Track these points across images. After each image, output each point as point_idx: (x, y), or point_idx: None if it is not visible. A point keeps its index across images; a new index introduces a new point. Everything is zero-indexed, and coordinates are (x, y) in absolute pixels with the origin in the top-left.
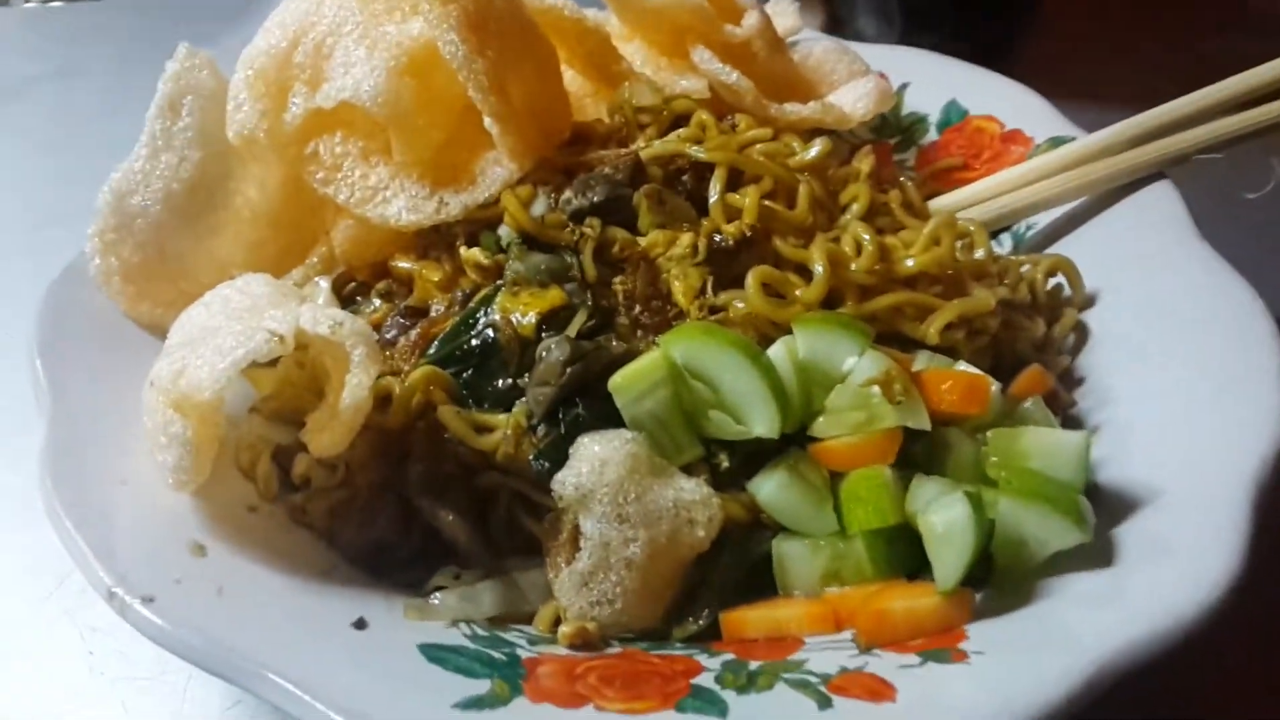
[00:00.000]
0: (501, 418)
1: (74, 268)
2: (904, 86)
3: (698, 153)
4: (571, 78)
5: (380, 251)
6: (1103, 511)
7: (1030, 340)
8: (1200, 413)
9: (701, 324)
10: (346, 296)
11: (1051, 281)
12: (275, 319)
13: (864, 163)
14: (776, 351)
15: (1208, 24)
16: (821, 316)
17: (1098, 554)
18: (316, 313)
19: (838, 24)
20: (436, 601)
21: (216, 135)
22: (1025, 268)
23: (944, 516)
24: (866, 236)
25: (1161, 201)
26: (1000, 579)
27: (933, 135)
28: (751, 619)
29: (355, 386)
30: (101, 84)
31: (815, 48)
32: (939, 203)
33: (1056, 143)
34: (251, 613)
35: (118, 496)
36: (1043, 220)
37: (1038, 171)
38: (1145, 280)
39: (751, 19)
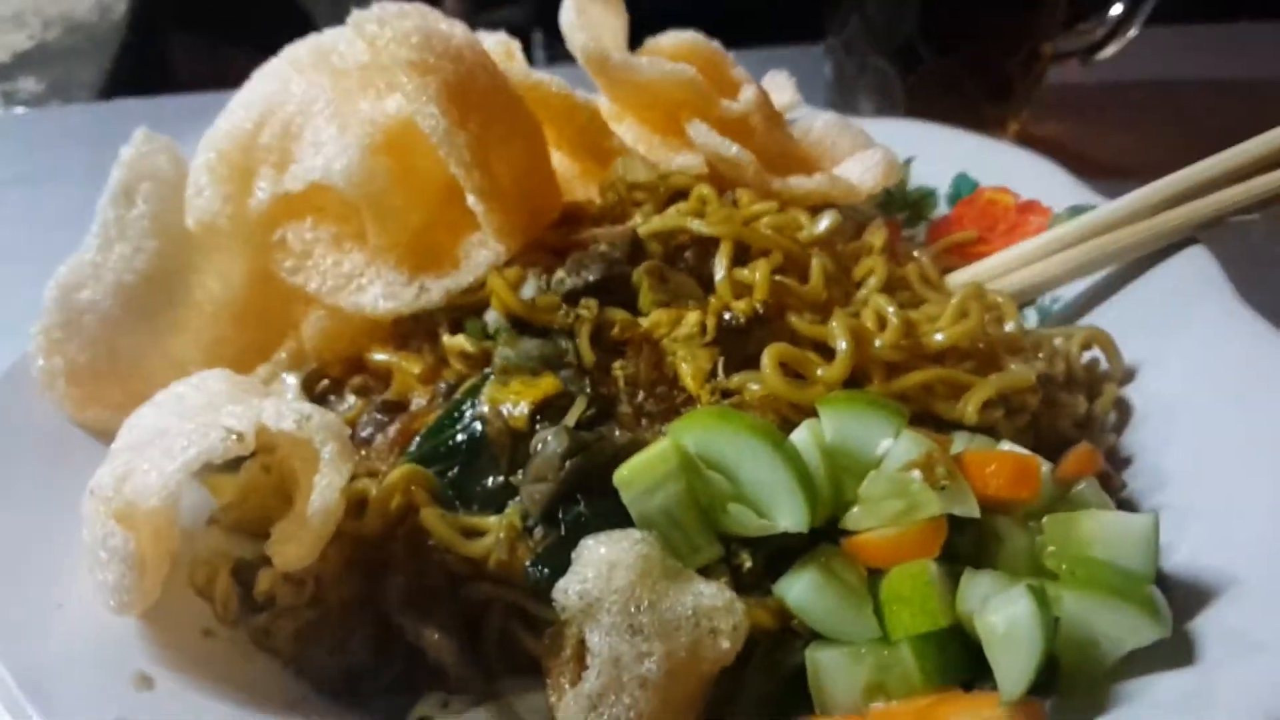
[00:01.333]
0: (493, 520)
1: (15, 371)
2: (909, 160)
3: (700, 227)
4: (559, 159)
5: (354, 344)
6: (1173, 604)
7: (1072, 418)
8: (1265, 490)
9: (715, 408)
10: (318, 395)
11: (1086, 355)
12: (233, 415)
13: (877, 236)
14: (801, 436)
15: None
16: (849, 395)
17: (1176, 651)
18: (281, 407)
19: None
20: None
21: (175, 224)
22: (1058, 341)
23: (1006, 615)
24: (891, 309)
25: (1197, 266)
26: (1068, 684)
27: (943, 209)
28: None
29: (325, 488)
30: (68, 190)
31: (815, 122)
32: (955, 278)
33: (1076, 211)
34: None
35: (52, 623)
36: (1069, 293)
37: (1060, 241)
38: (1188, 350)
39: (748, 93)
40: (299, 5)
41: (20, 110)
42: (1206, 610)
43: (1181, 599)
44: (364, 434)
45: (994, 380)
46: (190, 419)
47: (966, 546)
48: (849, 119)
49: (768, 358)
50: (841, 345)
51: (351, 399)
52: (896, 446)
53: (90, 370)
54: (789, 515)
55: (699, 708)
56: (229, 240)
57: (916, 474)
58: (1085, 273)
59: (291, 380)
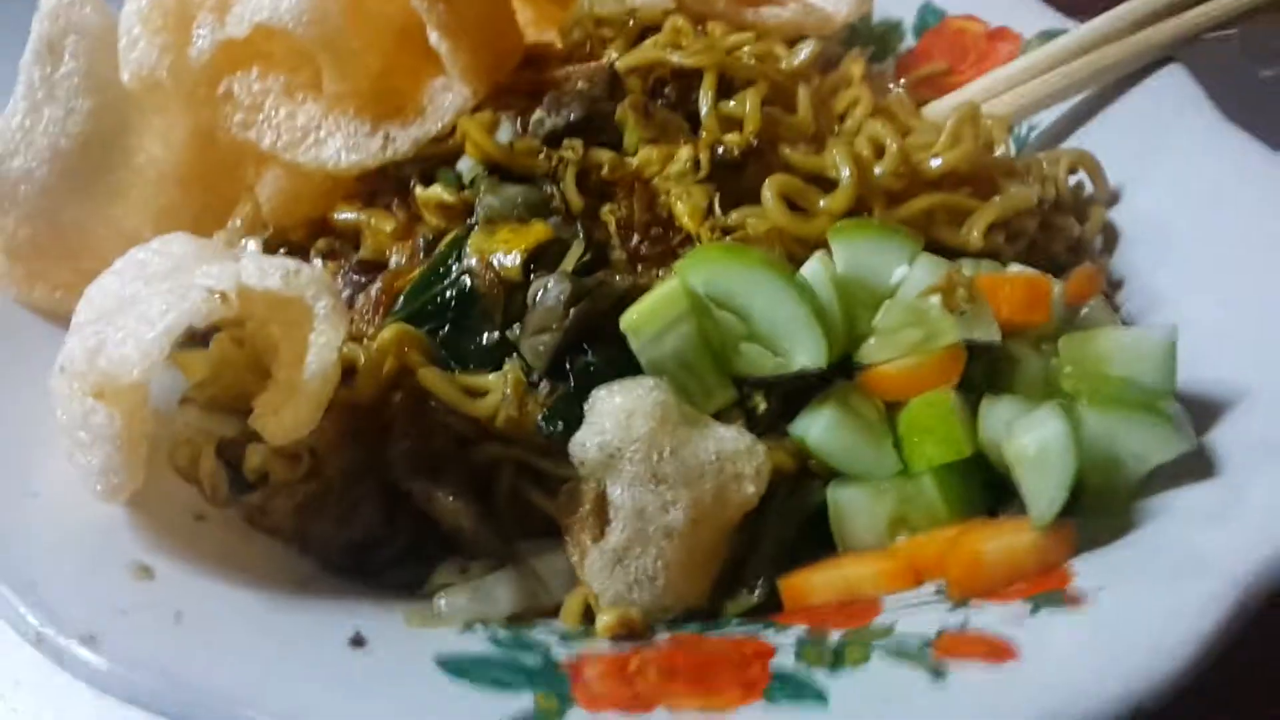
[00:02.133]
0: (493, 377)
1: None
2: None
3: (682, 58)
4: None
5: (316, 205)
6: (1191, 417)
7: (1066, 241)
8: (1265, 296)
9: (721, 245)
10: None
11: (1072, 179)
12: (210, 275)
13: (856, 67)
14: (812, 269)
15: None
16: (860, 223)
17: (1201, 464)
18: (263, 263)
19: None
20: (444, 604)
21: (109, 80)
22: (1045, 165)
23: (1036, 436)
24: (889, 137)
25: (1176, 84)
26: (1094, 504)
27: (910, 42)
28: (817, 583)
29: (323, 347)
30: None
31: None
32: (930, 109)
33: (1048, 36)
34: (220, 641)
35: (31, 514)
36: (1045, 120)
37: (1033, 67)
38: (1173, 168)
39: None
40: None
41: None
42: (1223, 422)
43: (1196, 414)
44: (343, 296)
45: (997, 203)
46: (159, 284)
47: (980, 374)
48: None
49: (769, 189)
50: (845, 173)
51: (319, 263)
52: (912, 273)
53: (32, 245)
54: (806, 352)
55: (724, 555)
56: (169, 96)
57: (934, 300)
58: (1061, 98)
59: (253, 246)
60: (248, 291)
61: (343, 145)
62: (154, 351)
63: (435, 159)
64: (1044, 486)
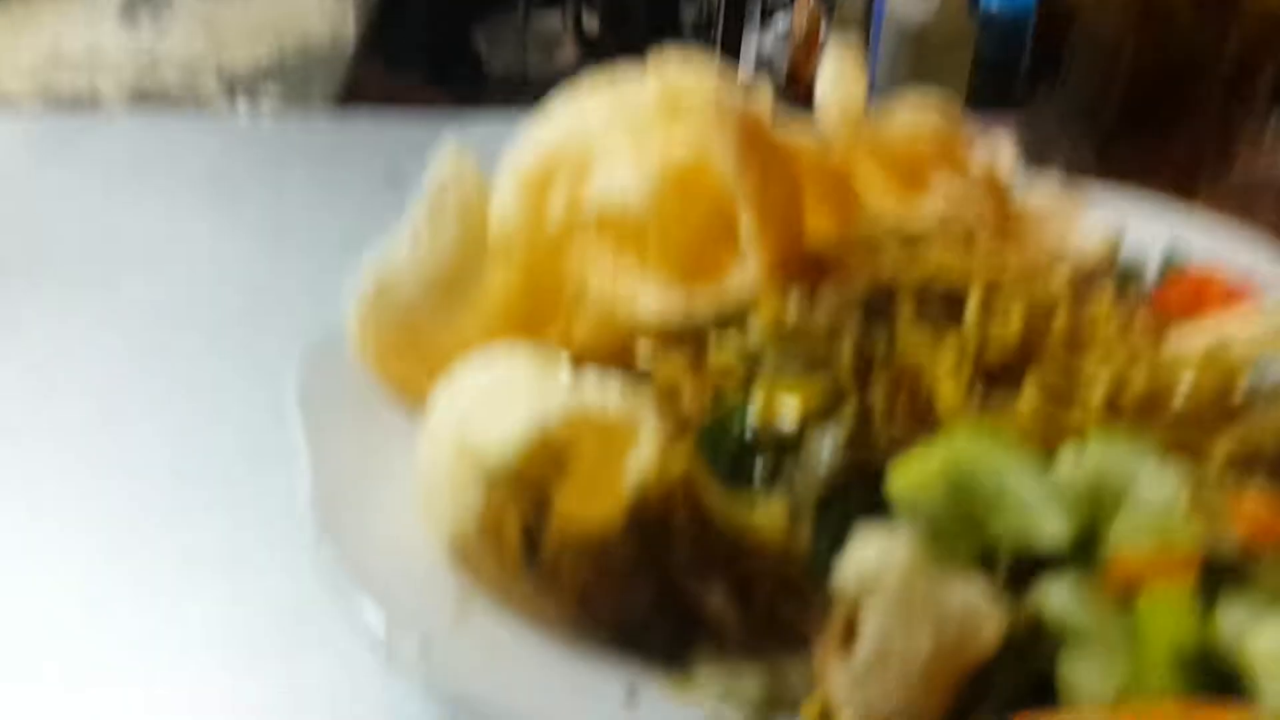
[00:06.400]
0: (767, 505)
1: (329, 332)
2: (1120, 231)
3: (955, 266)
4: None
5: (614, 350)
6: None
7: None
8: None
9: (984, 426)
10: None
11: None
12: (563, 389)
13: (1104, 295)
14: (1065, 458)
15: None
16: (1119, 428)
17: None
18: (600, 384)
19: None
20: (702, 676)
21: (474, 228)
22: None
23: (1270, 638)
24: (1140, 356)
25: None
26: None
27: (1150, 281)
28: None
29: (641, 458)
30: (305, 187)
31: (1037, 186)
32: (1169, 342)
33: None
34: (526, 674)
35: (382, 545)
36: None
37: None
38: None
39: (980, 155)
40: (471, 46)
41: (265, 115)
42: None
43: None
44: None
45: (1242, 426)
46: (515, 386)
47: (1214, 580)
48: (1068, 186)
49: (1032, 379)
50: (1103, 372)
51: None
52: (1159, 478)
53: (395, 347)
54: (1050, 530)
55: (951, 697)
56: (519, 252)
57: (1177, 506)
58: None
59: (563, 362)
60: (587, 408)
61: (653, 299)
62: (520, 440)
63: (727, 321)
64: (1277, 685)
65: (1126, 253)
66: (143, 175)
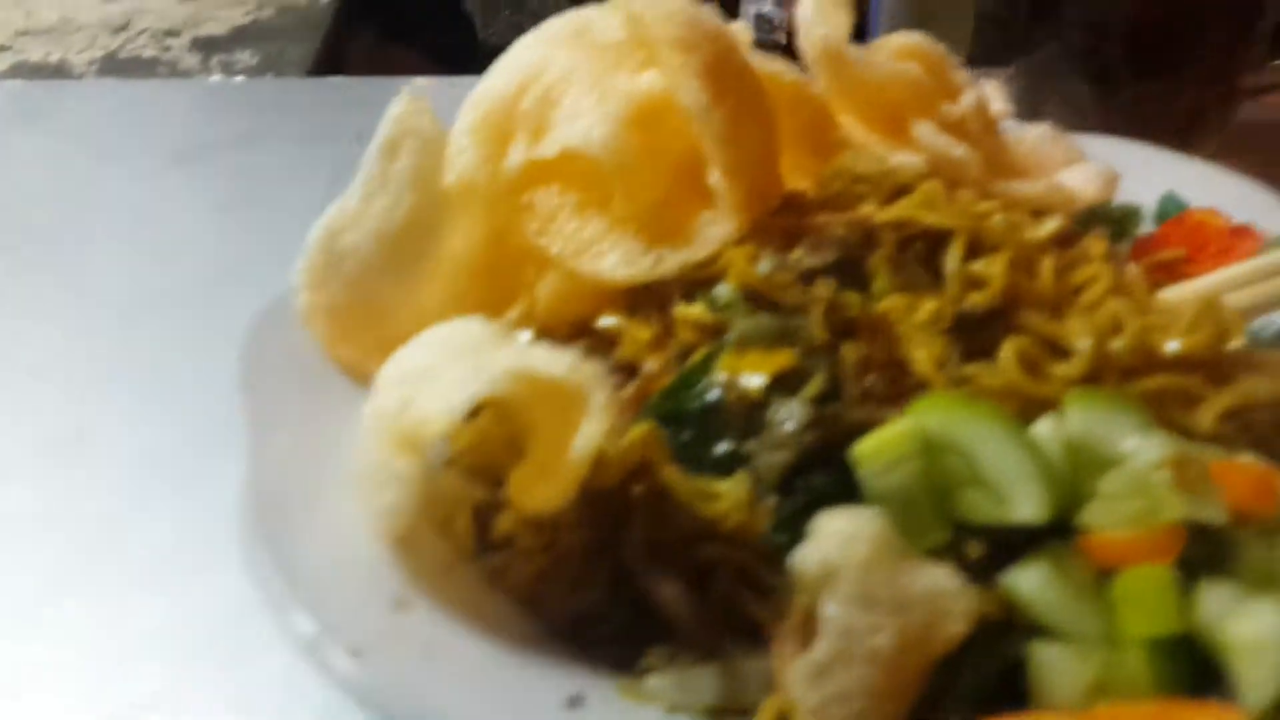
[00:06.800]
0: (724, 484)
1: (277, 306)
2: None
3: (935, 218)
4: None
5: (583, 309)
6: None
7: None
8: None
9: (959, 393)
10: None
11: None
12: (509, 356)
13: (1097, 245)
14: (1043, 427)
15: None
16: (1096, 390)
17: None
18: (551, 354)
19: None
20: (653, 684)
21: (431, 180)
22: None
23: (1254, 625)
24: (1128, 314)
25: None
26: None
27: (1148, 227)
28: None
29: (589, 435)
30: (280, 153)
31: (1029, 133)
32: (1164, 295)
33: None
34: (463, 678)
35: (319, 542)
36: None
37: (1273, 267)
38: None
39: (969, 98)
40: (463, 11)
41: (239, 79)
42: None
43: None
44: None
45: (1231, 391)
46: (461, 358)
47: (1199, 556)
48: (1063, 133)
49: (1009, 349)
50: (1084, 343)
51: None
52: (1144, 445)
53: (348, 311)
54: (1028, 504)
55: (920, 688)
56: (479, 201)
57: (1161, 474)
58: None
59: (525, 337)
60: (533, 375)
61: (619, 260)
62: (458, 412)
63: (695, 282)
64: (1257, 677)
65: (1124, 199)
66: (113, 143)
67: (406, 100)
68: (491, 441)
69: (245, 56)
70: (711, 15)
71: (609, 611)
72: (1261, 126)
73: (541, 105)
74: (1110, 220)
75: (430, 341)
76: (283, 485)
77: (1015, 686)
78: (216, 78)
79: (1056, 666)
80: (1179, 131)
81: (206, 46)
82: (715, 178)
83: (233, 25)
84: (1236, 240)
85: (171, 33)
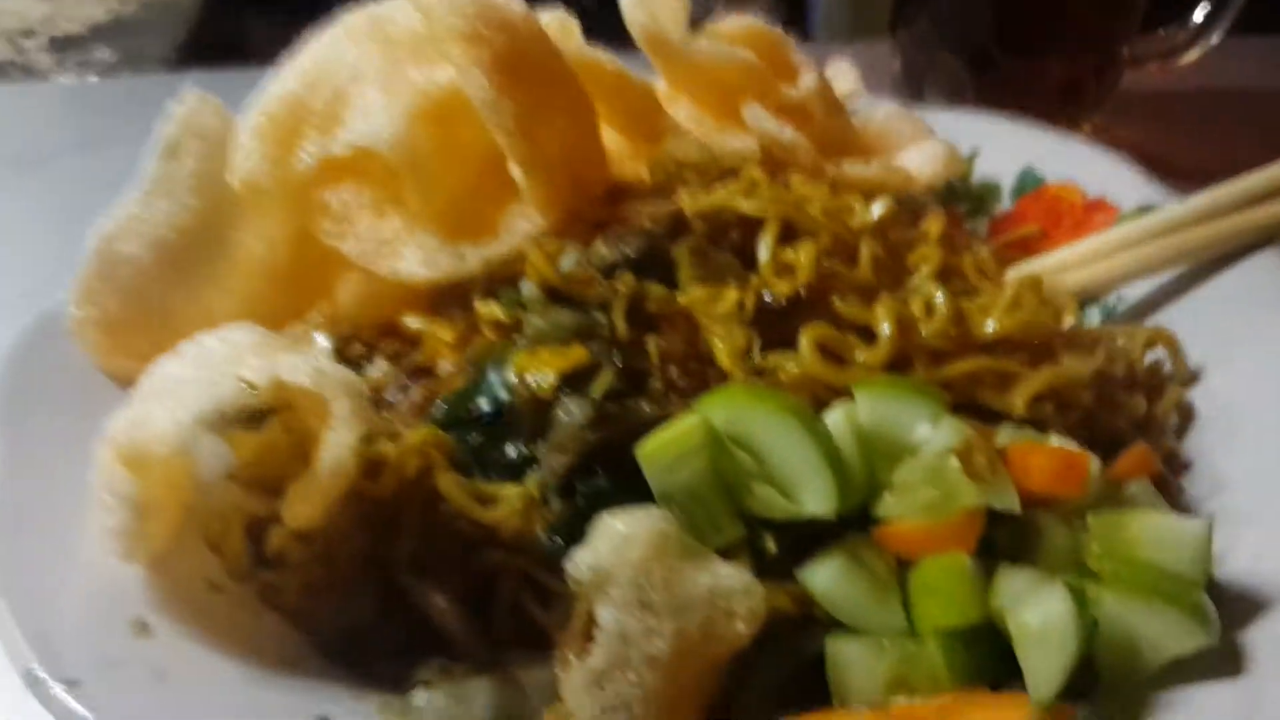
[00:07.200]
0: (509, 488)
1: (48, 318)
2: (974, 153)
3: (746, 205)
4: (612, 138)
5: (389, 310)
6: (1223, 611)
7: (1130, 418)
8: None
9: (747, 386)
10: (352, 361)
11: (1149, 356)
12: (250, 367)
13: (933, 225)
14: (834, 418)
15: None
16: (887, 378)
17: (1225, 662)
18: (298, 361)
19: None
20: (420, 700)
21: (220, 183)
22: (1120, 339)
23: (1040, 612)
24: (939, 296)
25: (1272, 270)
26: (1106, 691)
27: (1006, 204)
28: None
29: (335, 445)
30: (125, 155)
31: (877, 112)
32: (1015, 272)
33: (1147, 210)
34: (194, 704)
35: (61, 568)
36: (1134, 293)
37: (1127, 239)
38: (1257, 356)
39: (808, 79)
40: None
41: (93, 79)
42: (1260, 620)
43: (1234, 609)
44: (390, 398)
45: (1046, 372)
46: (210, 370)
47: (1005, 541)
48: (911, 110)
49: (806, 338)
50: (884, 329)
51: (384, 364)
52: (935, 433)
53: (123, 322)
54: (816, 498)
55: (708, 692)
56: (270, 202)
57: (955, 463)
58: (1152, 272)
59: (323, 341)
60: (284, 385)
61: (418, 259)
62: (184, 432)
63: (501, 279)
64: (1044, 664)
65: (988, 174)
66: None
67: (191, 99)
68: (280, 452)
69: (104, 54)
70: (510, 5)
71: (382, 627)
72: (1148, 96)
73: (332, 103)
74: (969, 197)
75: (188, 351)
76: (30, 508)
77: (818, 684)
78: (67, 79)
79: (854, 662)
80: (1058, 103)
81: (63, 46)
82: (515, 170)
83: (92, 22)
84: (1092, 214)
85: (27, 33)
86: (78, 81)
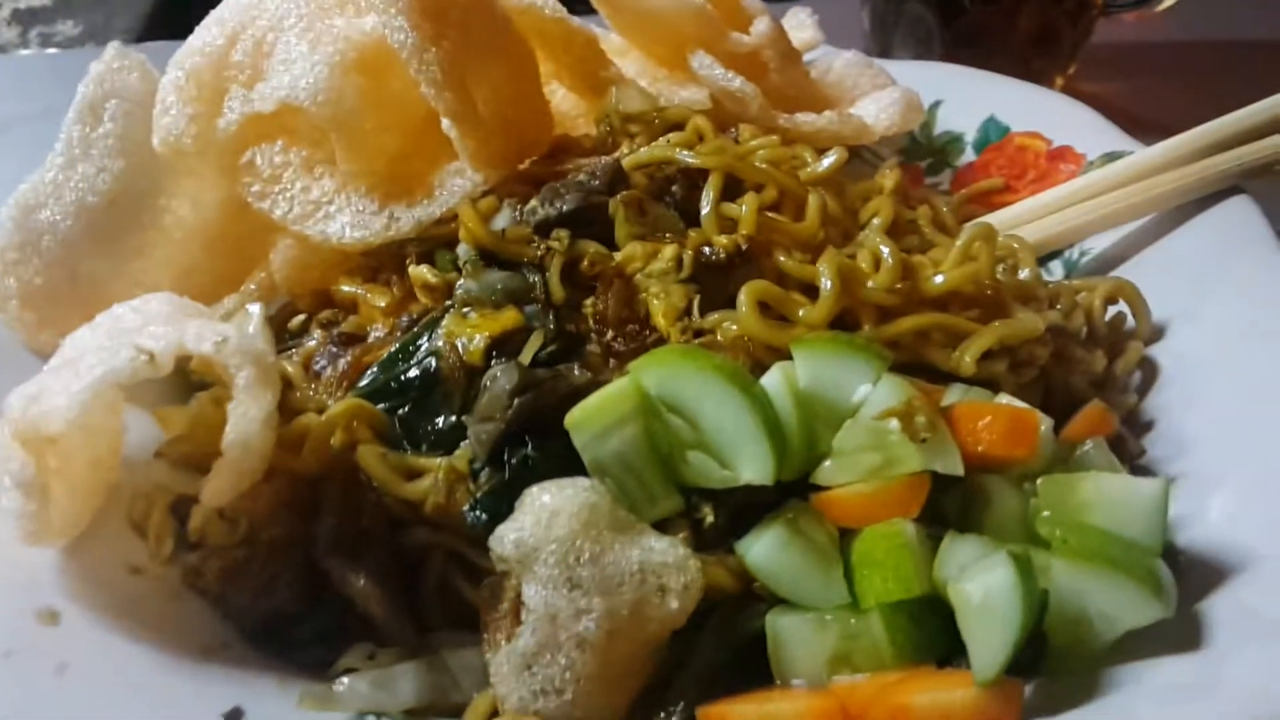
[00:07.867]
0: (435, 461)
1: None
2: (936, 104)
3: (688, 158)
4: (564, 96)
5: (324, 276)
6: (1183, 580)
7: (1088, 376)
8: None
9: (679, 347)
10: (294, 330)
11: (1112, 310)
12: (152, 335)
13: (888, 178)
14: (772, 380)
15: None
16: (828, 337)
17: (1181, 633)
18: (203, 329)
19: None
20: (341, 688)
21: (144, 145)
22: (1081, 294)
23: (983, 584)
24: (886, 250)
25: (1240, 217)
26: (1057, 666)
27: (970, 156)
28: (738, 715)
29: (240, 418)
30: None
31: (835, 61)
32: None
33: (1112, 158)
34: (96, 697)
35: None
36: (1099, 244)
37: (1092, 188)
38: (1223, 309)
39: (760, 27)
40: None
41: (53, 51)
42: (1221, 589)
43: (1195, 576)
44: (317, 367)
45: (995, 328)
46: (116, 339)
47: (951, 508)
48: (871, 59)
49: (745, 295)
50: (826, 284)
51: (318, 333)
52: (875, 393)
53: (47, 293)
54: (753, 466)
55: (645, 672)
56: (197, 163)
57: (895, 424)
58: (1117, 222)
59: (255, 310)
60: (185, 352)
61: (349, 221)
62: (77, 407)
63: (437, 240)
64: (987, 639)
65: (952, 124)
66: None
67: (111, 56)
68: (209, 427)
69: (67, 27)
70: None
71: (305, 611)
72: (1123, 47)
73: (255, 55)
74: (932, 150)
75: (101, 323)
76: None
77: (759, 662)
78: (28, 51)
79: (795, 638)
80: (1031, 54)
81: (26, 19)
82: (445, 126)
83: None
84: (1057, 163)
85: None
86: (37, 53)
